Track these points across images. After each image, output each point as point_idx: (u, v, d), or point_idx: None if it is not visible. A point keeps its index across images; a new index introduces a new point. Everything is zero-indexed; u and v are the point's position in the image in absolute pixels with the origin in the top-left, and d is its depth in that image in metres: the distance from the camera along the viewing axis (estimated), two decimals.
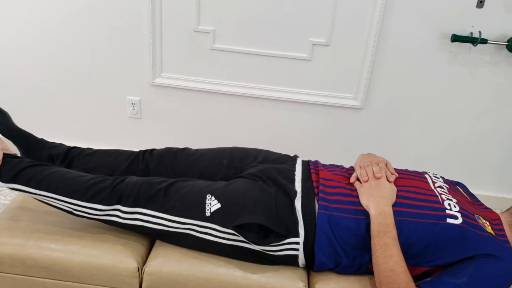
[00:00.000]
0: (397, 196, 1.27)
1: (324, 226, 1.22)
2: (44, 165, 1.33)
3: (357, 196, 1.27)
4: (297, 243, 1.23)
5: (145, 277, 1.28)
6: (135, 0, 2.08)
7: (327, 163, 1.50)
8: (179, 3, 2.07)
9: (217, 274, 1.27)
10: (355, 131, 2.29)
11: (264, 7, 2.05)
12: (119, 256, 1.29)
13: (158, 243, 1.37)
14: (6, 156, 1.31)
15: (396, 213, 1.21)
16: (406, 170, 1.42)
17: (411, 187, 1.31)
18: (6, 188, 1.43)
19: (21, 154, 1.51)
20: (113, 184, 1.29)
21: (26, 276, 1.31)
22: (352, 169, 1.40)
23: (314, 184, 1.32)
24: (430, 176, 1.39)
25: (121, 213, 1.28)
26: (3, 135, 1.48)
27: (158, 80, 2.25)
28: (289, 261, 1.27)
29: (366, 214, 1.23)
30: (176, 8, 2.08)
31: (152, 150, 1.53)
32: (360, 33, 2.05)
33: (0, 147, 1.33)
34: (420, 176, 1.39)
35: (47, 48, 2.24)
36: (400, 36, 2.05)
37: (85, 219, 1.32)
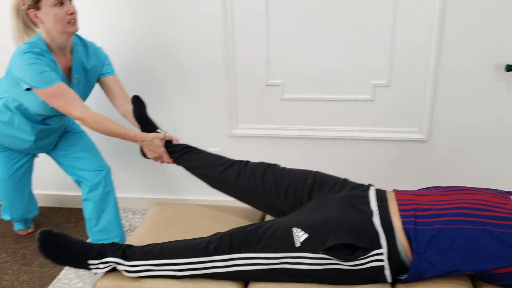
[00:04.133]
0: None
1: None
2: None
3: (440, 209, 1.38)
4: (381, 253, 1.36)
5: None
6: (212, 62, 2.39)
7: None
8: (251, 63, 2.35)
9: None
10: (422, 163, 2.41)
11: (326, 58, 2.27)
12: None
13: (253, 283, 1.49)
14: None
15: None
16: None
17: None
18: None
19: None
20: (206, 240, 1.49)
21: None
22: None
23: (401, 205, 1.43)
24: None
25: (218, 262, 1.45)
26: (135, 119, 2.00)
27: (235, 131, 2.51)
28: (377, 273, 1.38)
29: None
30: (248, 68, 2.36)
31: (247, 162, 1.75)
32: (419, 70, 2.23)
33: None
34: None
35: None
36: (457, 71, 2.20)
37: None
